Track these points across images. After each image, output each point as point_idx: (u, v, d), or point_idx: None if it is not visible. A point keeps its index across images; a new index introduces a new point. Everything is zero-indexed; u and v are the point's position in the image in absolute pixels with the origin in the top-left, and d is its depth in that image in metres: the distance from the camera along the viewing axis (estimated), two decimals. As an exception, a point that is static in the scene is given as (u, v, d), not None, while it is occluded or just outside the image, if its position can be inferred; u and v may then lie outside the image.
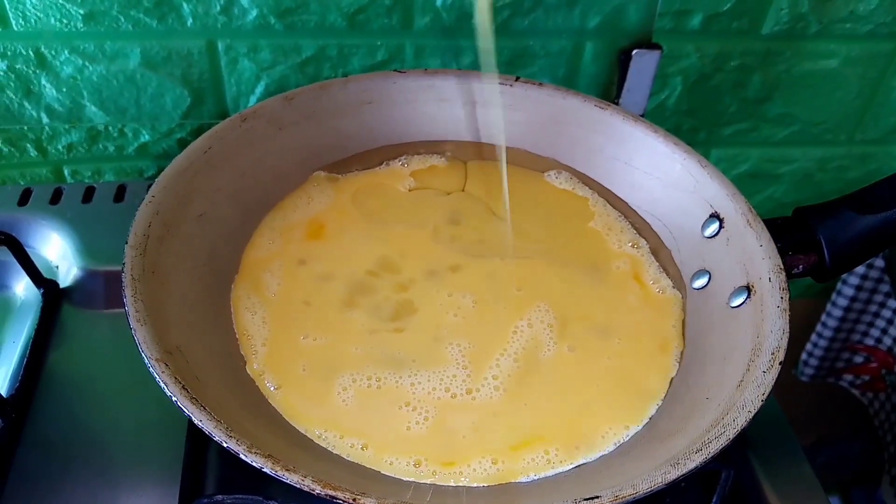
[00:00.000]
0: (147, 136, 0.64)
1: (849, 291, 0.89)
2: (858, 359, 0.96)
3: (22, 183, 0.65)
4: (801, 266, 0.45)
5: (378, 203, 0.54)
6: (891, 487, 0.93)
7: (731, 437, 0.35)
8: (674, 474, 0.34)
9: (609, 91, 0.66)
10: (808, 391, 1.00)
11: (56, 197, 0.61)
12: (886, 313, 0.90)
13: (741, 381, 0.39)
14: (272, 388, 0.43)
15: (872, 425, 0.98)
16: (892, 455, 0.92)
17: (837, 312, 0.91)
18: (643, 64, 0.63)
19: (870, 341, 0.94)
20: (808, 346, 0.96)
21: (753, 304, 0.43)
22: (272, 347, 0.45)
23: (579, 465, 0.40)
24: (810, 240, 0.45)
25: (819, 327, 0.93)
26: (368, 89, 0.55)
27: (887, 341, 0.92)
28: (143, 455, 0.46)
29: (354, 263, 0.50)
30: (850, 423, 1.01)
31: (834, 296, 0.90)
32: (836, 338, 0.94)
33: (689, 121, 0.71)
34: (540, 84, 0.55)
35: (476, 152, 0.58)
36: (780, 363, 0.38)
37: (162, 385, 0.35)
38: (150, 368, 0.35)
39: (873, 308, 0.91)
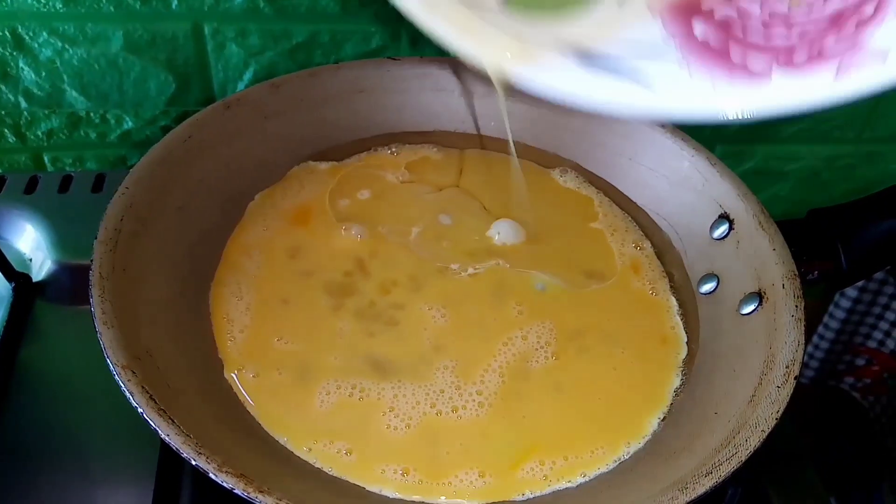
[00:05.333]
0: (130, 124, 0.62)
1: (852, 293, 0.87)
2: (860, 361, 0.94)
3: (0, 170, 0.63)
4: (815, 272, 0.43)
5: (368, 196, 0.52)
6: (892, 493, 0.91)
7: (744, 458, 0.33)
8: (681, 499, 0.31)
9: (612, 83, 0.64)
10: (807, 393, 0.99)
11: (31, 186, 0.59)
12: (890, 316, 0.88)
13: (753, 396, 0.37)
14: (250, 377, 0.41)
15: (872, 429, 0.96)
16: (894, 460, 0.91)
17: (840, 314, 0.89)
18: (649, 54, 0.60)
19: (872, 344, 0.92)
20: (809, 348, 0.94)
21: (765, 313, 0.41)
22: (250, 335, 0.43)
23: (578, 485, 0.38)
24: (826, 244, 0.43)
25: (821, 329, 0.92)
26: (360, 77, 0.53)
27: (890, 344, 0.90)
28: (119, 460, 0.44)
29: (337, 261, 0.48)
30: (849, 426, 0.99)
31: (837, 297, 0.88)
32: (838, 340, 0.92)
33: (693, 116, 0.69)
34: (541, 74, 0.53)
35: (472, 145, 0.56)
36: (795, 378, 0.36)
37: (128, 395, 0.32)
38: (116, 376, 0.33)
39: (877, 310, 0.89)
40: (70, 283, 0.52)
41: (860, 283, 0.86)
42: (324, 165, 0.53)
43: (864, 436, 0.96)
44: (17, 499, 0.42)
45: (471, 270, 0.48)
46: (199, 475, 0.43)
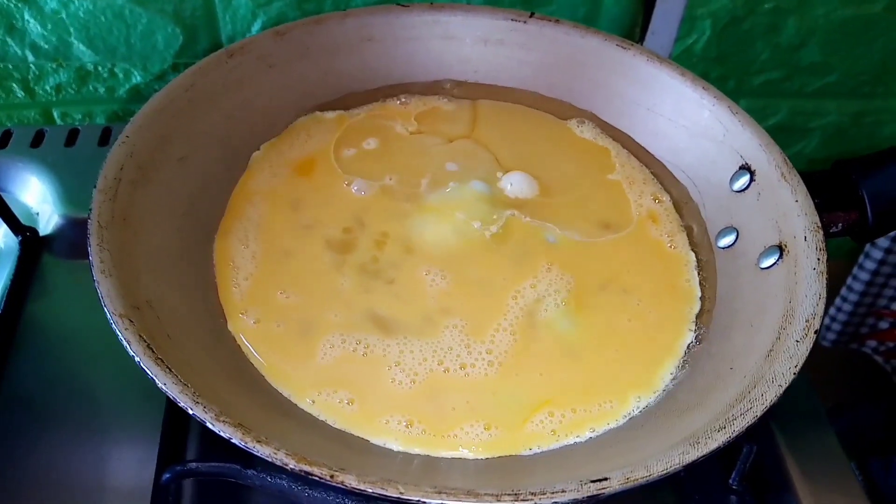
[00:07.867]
0: (139, 78, 0.61)
1: (877, 254, 0.85)
2: (884, 325, 0.93)
3: (9, 125, 0.62)
4: (840, 224, 0.41)
5: (375, 146, 0.51)
6: (913, 458, 0.90)
7: (759, 413, 0.32)
8: (693, 455, 0.30)
9: (632, 34, 0.62)
10: (829, 356, 0.97)
11: (38, 139, 0.58)
12: (917, 278, 0.86)
13: (770, 350, 0.35)
14: (252, 323, 0.41)
15: (895, 393, 0.95)
16: (916, 425, 0.90)
17: (864, 276, 0.87)
18: (670, 4, 0.58)
19: (897, 307, 0.90)
20: (832, 311, 0.92)
21: (786, 266, 0.40)
22: (254, 284, 0.43)
23: (587, 439, 0.37)
24: (851, 195, 0.42)
25: (844, 291, 0.90)
26: (368, 24, 0.51)
27: (916, 307, 0.89)
28: (126, 414, 0.44)
29: (340, 215, 0.47)
30: (870, 391, 0.98)
31: (861, 258, 0.86)
32: (861, 302, 0.90)
33: (717, 68, 0.67)
34: (556, 21, 0.51)
35: (485, 95, 0.54)
36: (815, 332, 0.35)
37: (124, 343, 0.32)
38: (112, 324, 0.32)
39: (903, 272, 0.87)
40: (76, 236, 0.52)
41: (885, 244, 0.84)
42: (330, 115, 0.52)
43: (886, 400, 0.95)
44: (23, 452, 0.42)
45: (482, 225, 0.47)
46: (206, 429, 0.43)
